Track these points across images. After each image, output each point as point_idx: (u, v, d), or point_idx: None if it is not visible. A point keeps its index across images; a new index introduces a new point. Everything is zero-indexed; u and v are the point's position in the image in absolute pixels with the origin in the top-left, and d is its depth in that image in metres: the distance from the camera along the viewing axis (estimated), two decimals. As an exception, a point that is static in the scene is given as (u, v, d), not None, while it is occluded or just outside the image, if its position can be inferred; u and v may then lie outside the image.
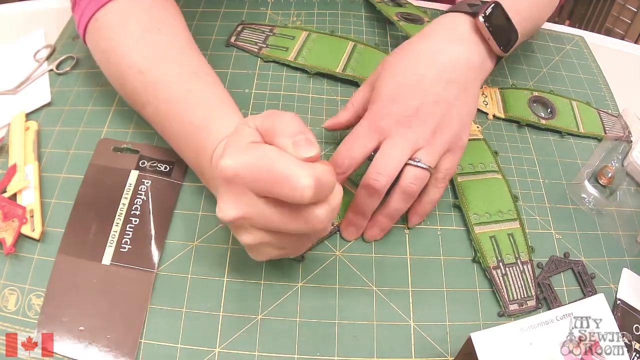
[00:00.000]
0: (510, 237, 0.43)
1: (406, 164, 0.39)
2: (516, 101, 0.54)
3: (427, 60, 0.41)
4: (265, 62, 0.54)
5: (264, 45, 0.55)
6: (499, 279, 0.41)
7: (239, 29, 0.57)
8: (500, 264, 0.41)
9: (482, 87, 0.54)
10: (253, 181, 0.30)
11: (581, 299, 0.41)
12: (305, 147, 0.31)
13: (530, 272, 0.41)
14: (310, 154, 0.30)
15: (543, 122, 0.52)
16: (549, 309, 0.40)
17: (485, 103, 0.53)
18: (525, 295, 0.40)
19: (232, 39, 0.56)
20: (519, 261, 0.42)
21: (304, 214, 0.31)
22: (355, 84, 0.52)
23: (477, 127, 0.50)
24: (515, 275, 0.41)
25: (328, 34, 0.57)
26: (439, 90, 0.40)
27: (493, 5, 0.42)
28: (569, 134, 0.52)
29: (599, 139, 0.52)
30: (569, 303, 0.37)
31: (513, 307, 0.40)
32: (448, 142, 0.40)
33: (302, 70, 0.53)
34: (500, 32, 0.42)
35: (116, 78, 0.43)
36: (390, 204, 0.40)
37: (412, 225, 0.43)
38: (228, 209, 0.31)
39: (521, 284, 0.41)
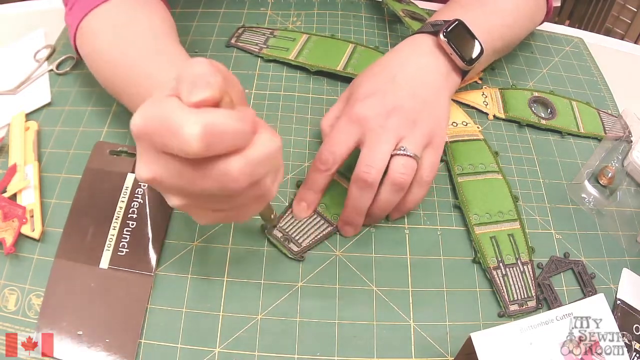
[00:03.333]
0: (511, 237, 0.43)
1: (392, 155, 0.39)
2: (516, 101, 0.54)
3: (399, 66, 0.44)
4: (266, 61, 0.54)
5: (265, 46, 0.55)
6: (499, 279, 0.41)
7: (239, 31, 0.57)
8: (501, 264, 0.41)
9: (482, 87, 0.54)
10: (152, 136, 0.26)
11: (581, 299, 0.41)
12: (197, 88, 0.26)
13: (531, 272, 0.41)
14: (199, 97, 0.25)
15: (543, 122, 0.52)
16: (549, 309, 0.40)
17: (486, 103, 0.53)
18: (526, 296, 0.40)
19: (233, 40, 0.56)
20: (519, 262, 0.42)
21: (212, 169, 0.27)
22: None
23: (478, 128, 0.50)
24: (515, 275, 0.41)
25: (328, 37, 0.57)
26: (413, 87, 0.42)
27: (455, 23, 0.44)
28: (569, 134, 0.52)
29: (599, 139, 0.52)
30: (569, 303, 0.37)
31: (513, 307, 0.40)
32: (427, 134, 0.40)
33: (302, 70, 0.53)
34: (463, 48, 0.44)
35: (100, 77, 0.44)
36: (381, 197, 0.40)
37: (392, 219, 0.43)
38: (141, 169, 0.28)
39: (521, 285, 0.41)
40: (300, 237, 0.41)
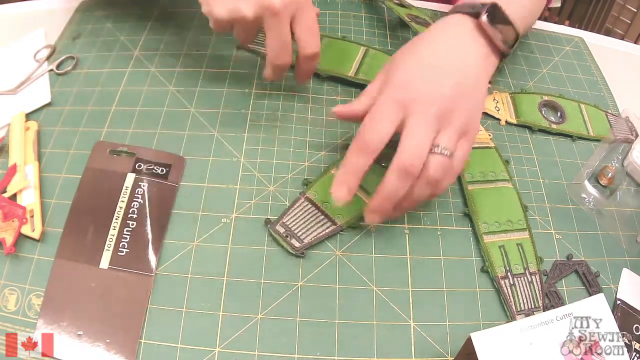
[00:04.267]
0: (519, 247, 0.43)
1: (431, 151, 0.38)
2: (527, 106, 0.53)
3: (439, 49, 0.42)
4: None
5: None
6: (506, 289, 0.40)
7: None
8: (509, 273, 0.41)
9: (492, 92, 0.54)
10: None
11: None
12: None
13: (538, 282, 0.41)
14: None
15: (554, 127, 0.52)
16: None
17: (497, 109, 0.53)
18: (533, 306, 0.40)
19: None
20: (527, 271, 0.42)
21: None
22: (364, 87, 0.52)
23: (489, 135, 0.50)
24: (523, 285, 0.41)
25: (339, 39, 0.57)
26: (455, 72, 0.40)
27: (491, 5, 0.43)
28: (580, 138, 0.52)
29: (598, 140, 0.52)
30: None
31: (520, 317, 0.39)
32: (464, 124, 0.39)
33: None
34: (501, 31, 0.43)
35: None
36: (415, 190, 0.38)
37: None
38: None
39: (529, 295, 0.40)
40: (303, 233, 0.41)
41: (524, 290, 0.41)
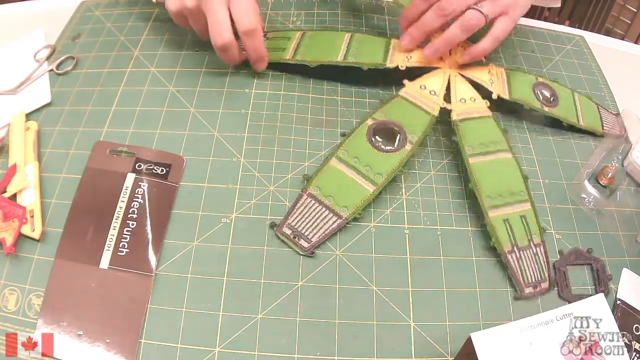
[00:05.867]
0: (523, 219, 0.43)
1: (469, 8, 0.47)
2: (521, 85, 0.53)
3: None
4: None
5: None
6: (514, 263, 0.41)
7: None
8: (515, 247, 0.41)
9: (488, 65, 0.54)
10: None
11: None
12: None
13: (543, 253, 0.42)
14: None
15: (546, 109, 0.51)
16: (558, 294, 0.41)
17: (492, 82, 0.52)
18: (540, 278, 0.41)
19: None
20: (531, 244, 0.42)
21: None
22: (358, 70, 0.51)
23: (486, 103, 0.50)
24: (529, 258, 0.41)
25: (320, 30, 0.56)
26: None
27: None
28: (568, 124, 0.52)
29: (597, 136, 0.52)
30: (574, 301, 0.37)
31: (529, 290, 0.40)
32: (505, 5, 0.48)
33: (302, 70, 0.53)
34: None
35: None
36: (449, 30, 0.48)
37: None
38: None
39: (535, 267, 0.41)
40: (310, 232, 0.41)
41: (530, 263, 0.41)
